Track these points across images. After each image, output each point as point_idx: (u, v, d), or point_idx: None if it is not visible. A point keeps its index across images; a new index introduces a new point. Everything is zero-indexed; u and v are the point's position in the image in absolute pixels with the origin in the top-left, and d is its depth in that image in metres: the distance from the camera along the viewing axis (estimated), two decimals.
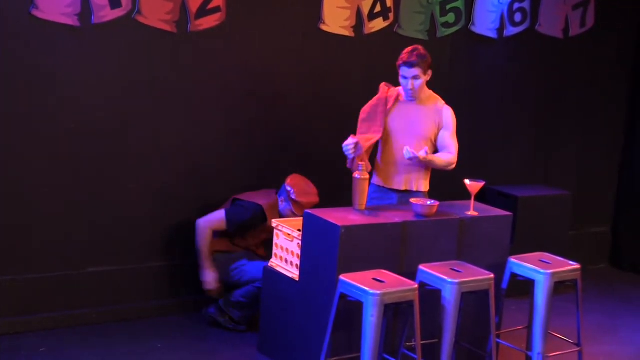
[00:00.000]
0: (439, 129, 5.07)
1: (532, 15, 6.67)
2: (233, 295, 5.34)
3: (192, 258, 5.51)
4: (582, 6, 6.88)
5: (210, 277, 5.34)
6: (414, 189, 5.07)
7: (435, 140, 5.08)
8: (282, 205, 5.33)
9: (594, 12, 6.95)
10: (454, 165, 5.08)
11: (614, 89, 7.29)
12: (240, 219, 5.27)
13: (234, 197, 5.38)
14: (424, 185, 5.11)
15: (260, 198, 5.33)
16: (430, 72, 5.03)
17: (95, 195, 5.27)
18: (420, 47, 5.04)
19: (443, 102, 5.13)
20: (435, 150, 5.12)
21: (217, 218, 5.27)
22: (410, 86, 4.98)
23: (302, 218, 4.75)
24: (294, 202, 5.24)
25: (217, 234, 5.36)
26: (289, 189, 5.25)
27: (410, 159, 4.85)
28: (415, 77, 4.96)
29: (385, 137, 5.10)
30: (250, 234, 5.38)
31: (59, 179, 5.15)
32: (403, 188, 5.08)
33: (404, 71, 4.96)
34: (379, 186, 5.12)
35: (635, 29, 7.25)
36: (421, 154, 4.83)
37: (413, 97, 5.03)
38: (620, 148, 7.44)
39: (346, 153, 4.88)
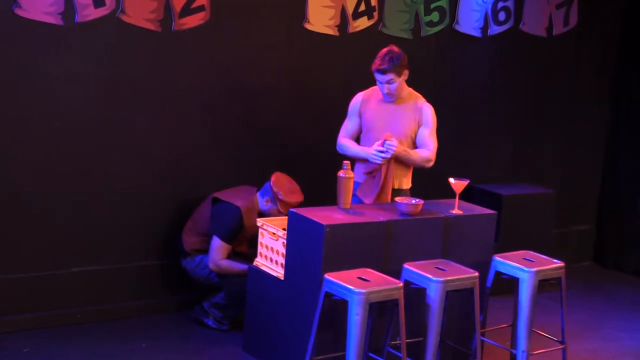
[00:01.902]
0: (418, 127, 5.10)
1: (516, 14, 6.71)
2: (215, 297, 5.34)
3: (177, 258, 5.50)
4: (565, 5, 6.93)
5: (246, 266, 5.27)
6: (396, 187, 5.09)
7: (415, 137, 5.10)
8: (268, 205, 5.32)
9: (577, 11, 7.00)
10: (432, 163, 5.11)
11: (597, 88, 7.33)
12: (230, 227, 5.25)
13: (213, 195, 5.37)
14: (406, 182, 5.13)
15: (238, 198, 5.32)
16: (406, 72, 5.02)
17: (79, 194, 5.26)
18: (394, 48, 5.03)
19: (423, 99, 5.15)
20: (415, 148, 5.14)
21: (216, 247, 5.25)
22: (386, 90, 5.01)
23: (287, 217, 4.75)
24: (282, 202, 5.24)
25: (196, 234, 5.35)
26: (275, 190, 5.25)
27: (386, 150, 4.88)
28: (389, 82, 4.98)
29: (364, 137, 5.12)
30: (236, 240, 5.37)
31: (43, 179, 5.13)
32: (367, 200, 5.08)
33: (378, 77, 4.99)
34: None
35: (618, 28, 7.30)
36: (398, 148, 4.88)
37: (392, 100, 5.06)
38: (604, 146, 7.49)
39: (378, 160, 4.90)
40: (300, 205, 5.11)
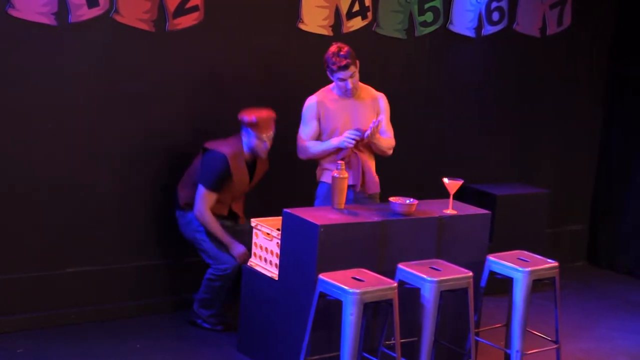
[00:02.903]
0: (377, 117, 5.19)
1: (510, 14, 6.73)
2: (198, 293, 5.34)
3: (171, 257, 5.51)
4: (559, 5, 6.95)
5: (241, 249, 5.25)
6: None
7: None
8: (247, 140, 5.23)
9: (570, 11, 7.02)
10: (391, 151, 5.22)
11: (590, 88, 7.35)
12: (215, 175, 5.18)
13: (204, 145, 5.31)
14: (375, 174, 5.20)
15: (225, 146, 5.25)
16: (357, 62, 5.09)
17: (73, 195, 5.26)
18: (339, 44, 5.10)
19: (374, 90, 5.26)
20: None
21: (201, 195, 5.20)
22: (350, 86, 5.08)
23: (280, 217, 4.74)
24: (252, 124, 5.17)
25: (189, 186, 5.29)
26: (242, 118, 5.19)
27: (361, 134, 4.95)
28: (352, 76, 5.06)
29: (328, 138, 5.14)
30: (227, 189, 5.27)
31: (38, 179, 5.14)
32: (353, 182, 5.12)
33: (341, 75, 5.04)
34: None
35: (612, 28, 7.32)
36: (372, 127, 4.97)
37: (353, 95, 5.13)
38: (597, 146, 7.51)
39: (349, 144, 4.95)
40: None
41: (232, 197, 5.34)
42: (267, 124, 5.23)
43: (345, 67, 5.02)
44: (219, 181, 5.21)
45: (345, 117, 5.12)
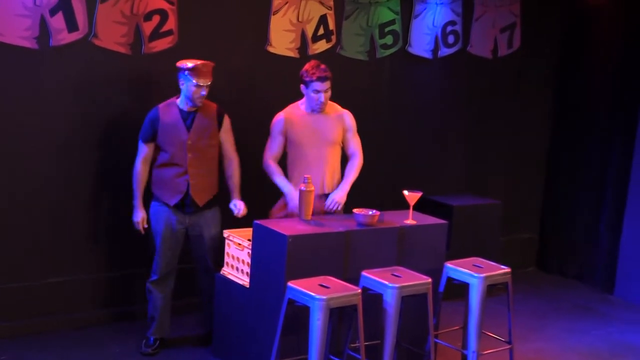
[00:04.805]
0: (344, 133, 5.35)
1: (464, 37, 6.88)
2: None
3: (144, 266, 5.56)
4: (509, 29, 7.12)
5: (137, 217, 5.20)
6: (327, 191, 5.33)
7: (342, 142, 5.37)
8: (184, 88, 5.04)
9: (520, 34, 7.18)
10: (361, 164, 5.39)
11: (539, 105, 7.49)
12: (144, 125, 5.10)
13: None
14: (331, 185, 5.36)
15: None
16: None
17: (53, 208, 5.36)
18: (316, 61, 5.28)
19: (340, 107, 5.39)
20: (343, 154, 5.42)
21: (138, 147, 5.14)
22: (323, 99, 5.19)
23: (251, 229, 4.86)
24: (192, 70, 4.99)
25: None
26: (180, 65, 5.04)
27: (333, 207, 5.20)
28: (327, 90, 5.20)
29: (296, 151, 5.28)
30: (164, 139, 5.10)
31: (19, 194, 5.23)
32: (328, 191, 5.31)
33: (317, 86, 5.16)
34: None
35: (558, 50, 7.48)
36: (341, 202, 5.22)
37: (322, 109, 5.25)
38: (545, 160, 7.64)
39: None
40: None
41: (179, 156, 5.06)
42: (206, 71, 5.03)
43: (325, 79, 5.14)
44: (147, 129, 5.07)
45: (313, 132, 5.24)
